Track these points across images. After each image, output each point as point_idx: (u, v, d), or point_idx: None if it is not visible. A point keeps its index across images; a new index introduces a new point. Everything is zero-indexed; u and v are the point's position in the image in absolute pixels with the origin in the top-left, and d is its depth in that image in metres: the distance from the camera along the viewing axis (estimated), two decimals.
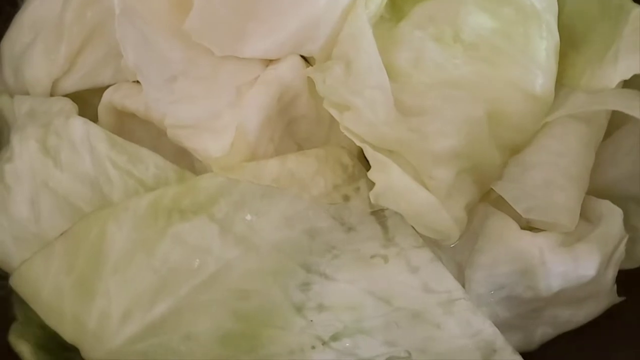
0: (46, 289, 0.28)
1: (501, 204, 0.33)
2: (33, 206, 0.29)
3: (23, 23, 0.35)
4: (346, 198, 0.34)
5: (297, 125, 0.36)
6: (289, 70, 0.34)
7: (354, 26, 0.33)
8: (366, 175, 0.33)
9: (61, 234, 0.29)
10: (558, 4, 0.35)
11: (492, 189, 0.33)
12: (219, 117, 0.31)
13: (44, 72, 0.34)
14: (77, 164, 0.30)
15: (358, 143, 0.31)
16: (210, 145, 0.31)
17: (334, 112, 0.32)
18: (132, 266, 0.28)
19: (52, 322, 0.28)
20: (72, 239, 0.29)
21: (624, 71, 0.30)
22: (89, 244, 0.29)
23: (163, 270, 0.28)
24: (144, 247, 0.29)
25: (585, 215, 0.33)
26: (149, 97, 0.31)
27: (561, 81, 0.34)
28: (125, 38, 0.29)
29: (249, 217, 0.31)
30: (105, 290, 0.28)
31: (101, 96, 0.35)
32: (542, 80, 0.32)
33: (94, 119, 0.35)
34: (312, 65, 0.35)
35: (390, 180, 0.31)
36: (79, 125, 0.30)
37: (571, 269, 0.31)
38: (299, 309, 0.30)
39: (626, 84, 0.32)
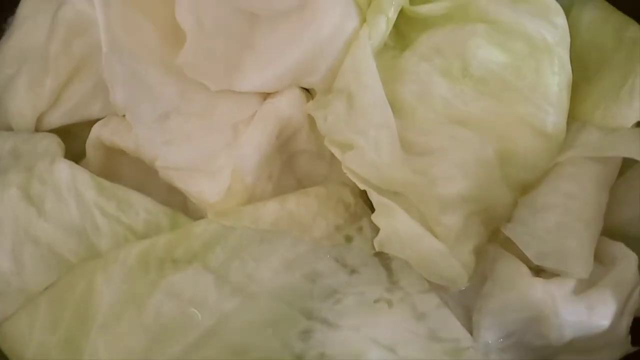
0: (31, 348, 0.26)
1: (510, 244, 0.32)
2: (15, 258, 0.28)
3: (6, 54, 0.33)
4: (349, 239, 0.32)
5: (296, 160, 0.34)
6: (288, 104, 0.32)
7: (357, 59, 0.32)
8: (369, 214, 0.32)
9: (46, 288, 0.27)
10: (571, 35, 0.33)
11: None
12: (215, 158, 0.30)
13: (29, 106, 0.32)
14: (63, 212, 0.28)
15: (361, 186, 0.30)
16: (205, 188, 0.30)
17: (335, 151, 0.31)
18: (121, 323, 0.26)
19: None
20: (58, 294, 0.27)
21: None
22: (76, 299, 0.27)
23: (155, 327, 0.27)
24: (135, 301, 0.27)
25: (598, 257, 0.32)
26: (139, 137, 0.29)
27: (573, 114, 0.33)
28: (114, 76, 0.28)
29: (246, 264, 0.29)
30: (94, 349, 0.26)
31: (89, 128, 0.33)
32: (553, 117, 0.31)
33: (82, 152, 0.33)
34: (312, 96, 0.34)
35: (396, 226, 0.29)
36: (64, 170, 0.29)
37: (585, 318, 0.29)
38: (300, 359, 0.29)
39: None
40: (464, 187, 0.29)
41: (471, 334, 0.31)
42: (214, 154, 0.30)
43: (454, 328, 0.30)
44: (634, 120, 0.30)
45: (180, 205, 0.33)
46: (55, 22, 0.31)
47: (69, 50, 0.32)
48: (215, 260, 0.29)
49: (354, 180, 0.30)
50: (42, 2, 0.33)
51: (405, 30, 0.35)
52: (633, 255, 0.31)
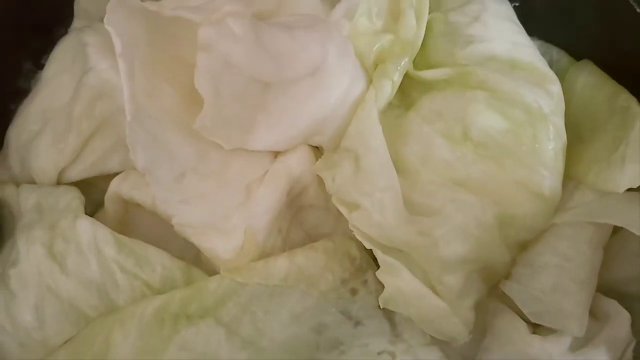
0: None
1: (509, 298, 0.33)
2: (38, 312, 0.29)
3: (31, 112, 0.35)
4: (354, 292, 0.33)
5: (305, 214, 0.36)
6: (298, 163, 0.34)
7: (364, 122, 0.33)
8: (374, 267, 0.34)
9: (65, 342, 0.29)
10: (565, 99, 0.35)
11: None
12: (228, 217, 0.31)
13: (51, 162, 0.34)
14: (84, 269, 0.29)
15: (367, 245, 0.31)
16: (219, 245, 0.31)
17: (343, 210, 0.32)
18: None
19: None
20: (77, 348, 0.28)
21: (631, 179, 0.31)
22: (94, 354, 0.28)
23: None
24: (150, 356, 0.28)
25: (593, 313, 0.33)
26: (157, 197, 0.31)
27: (568, 173, 0.34)
28: (136, 141, 0.29)
29: (256, 318, 0.31)
30: None
31: (107, 179, 0.34)
32: (549, 181, 0.33)
33: (100, 202, 0.35)
34: (320, 152, 0.36)
35: (400, 284, 0.31)
36: (86, 228, 0.30)
37: None
38: None
39: None
40: (464, 249, 0.31)
41: None
42: (228, 213, 0.31)
43: None
44: (625, 187, 0.31)
45: (194, 256, 0.34)
46: (80, 86, 0.33)
47: (92, 112, 0.33)
48: (227, 314, 0.30)
49: (360, 238, 0.31)
50: (67, 66, 0.35)
51: (408, 90, 0.36)
52: (626, 314, 0.32)
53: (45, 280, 0.29)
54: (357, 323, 0.33)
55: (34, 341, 0.29)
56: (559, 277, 0.31)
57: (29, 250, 0.29)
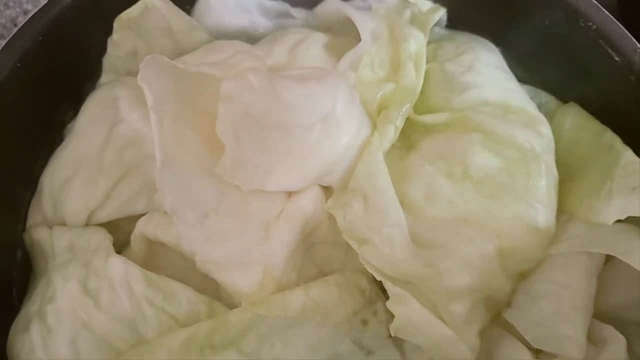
0: None
1: (511, 325, 0.35)
2: (73, 347, 0.31)
3: (63, 159, 0.38)
4: (365, 322, 0.35)
5: (316, 249, 0.38)
6: (311, 203, 0.36)
7: (370, 164, 0.36)
8: (383, 299, 0.36)
9: None
10: (555, 139, 0.38)
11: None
12: (248, 253, 0.34)
13: (82, 205, 0.36)
14: (116, 304, 0.31)
15: (377, 277, 0.34)
16: (239, 280, 0.33)
17: (353, 244, 0.35)
18: None
19: None
20: None
21: (619, 212, 0.33)
22: None
23: None
24: None
25: (590, 338, 0.34)
26: (182, 236, 0.33)
27: (561, 207, 0.37)
28: (165, 185, 0.32)
29: (275, 348, 0.32)
30: None
31: (132, 222, 0.37)
32: (544, 215, 0.35)
33: (126, 241, 0.37)
34: (330, 192, 0.38)
35: (409, 314, 0.33)
36: (118, 266, 0.32)
37: None
38: None
39: None
40: (468, 279, 0.33)
41: None
42: (248, 250, 0.34)
43: None
44: (613, 219, 0.33)
45: (214, 291, 0.36)
46: (111, 135, 0.36)
47: (121, 158, 0.36)
48: (248, 345, 0.32)
49: (371, 271, 0.34)
50: (98, 116, 0.38)
51: (409, 133, 0.39)
52: (622, 338, 0.34)
53: (80, 315, 0.31)
54: (369, 352, 0.35)
55: None
56: (557, 303, 0.33)
57: (65, 287, 0.32)
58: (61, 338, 0.31)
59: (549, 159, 0.36)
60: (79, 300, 0.31)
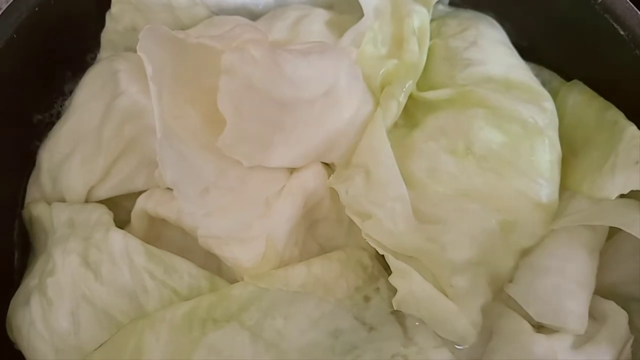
0: None
1: (513, 302, 0.35)
2: (73, 319, 0.31)
3: (62, 135, 0.37)
4: (367, 299, 0.35)
5: (318, 226, 0.38)
6: (313, 179, 0.36)
7: (373, 139, 0.36)
8: (385, 275, 0.36)
9: (100, 346, 0.30)
10: (558, 116, 0.38)
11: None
12: (249, 228, 0.33)
13: (81, 181, 0.36)
14: (117, 277, 0.31)
15: (379, 250, 0.34)
16: (241, 254, 0.33)
17: (356, 220, 0.35)
18: None
19: None
20: (110, 351, 0.30)
21: (622, 186, 0.33)
22: (127, 356, 0.30)
23: None
24: (180, 357, 0.30)
25: (592, 314, 0.35)
26: (183, 210, 0.33)
27: (564, 185, 0.37)
28: (165, 158, 0.31)
29: (277, 322, 0.32)
30: None
31: (132, 199, 0.36)
32: (547, 189, 0.35)
33: (126, 219, 0.37)
34: (332, 169, 0.38)
35: (411, 288, 0.33)
36: (118, 239, 0.32)
37: None
38: None
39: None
40: (471, 253, 0.33)
41: None
42: (249, 224, 0.33)
43: None
44: (617, 194, 0.33)
45: (216, 268, 0.36)
46: (110, 109, 0.36)
47: (121, 133, 0.36)
48: (250, 319, 0.32)
49: (373, 245, 0.34)
50: (96, 91, 0.38)
51: (413, 111, 0.39)
52: (623, 313, 0.34)
53: (81, 288, 0.31)
54: (371, 328, 0.35)
55: (69, 346, 0.31)
56: (560, 278, 0.33)
57: (65, 260, 0.31)
58: (61, 310, 0.31)
59: (553, 134, 0.36)
60: (79, 272, 0.31)
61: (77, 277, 0.31)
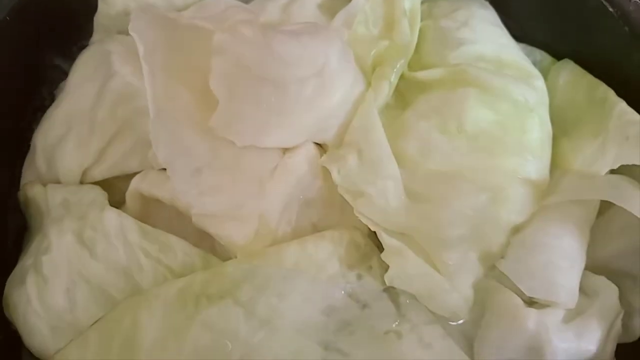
0: None
1: (505, 279, 0.35)
2: (69, 296, 0.31)
3: (56, 117, 0.37)
4: (360, 277, 0.36)
5: (312, 207, 0.38)
6: (305, 158, 0.36)
7: (365, 119, 0.36)
8: (378, 253, 0.36)
9: (95, 322, 0.31)
10: (549, 95, 0.38)
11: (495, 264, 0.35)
12: (243, 207, 0.34)
13: (76, 163, 0.36)
14: (112, 254, 0.32)
15: (372, 227, 0.34)
16: (234, 232, 0.33)
17: (348, 198, 0.35)
18: (164, 353, 0.30)
19: None
20: (106, 328, 0.30)
21: (612, 161, 0.33)
22: (122, 333, 0.30)
23: (194, 357, 0.30)
24: (175, 333, 0.30)
25: (584, 290, 0.35)
26: (177, 189, 0.33)
27: (556, 163, 0.37)
28: (158, 138, 0.32)
29: (271, 299, 0.33)
30: None
31: (126, 181, 0.37)
32: (536, 166, 0.35)
33: (121, 201, 0.37)
34: (324, 151, 0.38)
35: (404, 264, 0.33)
36: (113, 218, 0.32)
37: (574, 345, 0.32)
38: None
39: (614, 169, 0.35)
40: (462, 229, 0.33)
41: None
42: (242, 203, 0.34)
43: (458, 356, 0.33)
44: (607, 169, 0.34)
45: (209, 248, 0.36)
46: (104, 90, 0.36)
47: (114, 115, 0.36)
48: (244, 296, 0.32)
49: (366, 223, 0.34)
50: (90, 73, 0.38)
51: (404, 92, 0.39)
52: (614, 288, 0.34)
53: (76, 265, 0.31)
54: (364, 306, 0.35)
55: (65, 323, 0.31)
56: (550, 254, 0.34)
57: (60, 239, 0.32)
58: (57, 288, 0.31)
59: (543, 112, 0.37)
60: (75, 250, 0.31)
61: (73, 255, 0.31)
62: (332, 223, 0.38)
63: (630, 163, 0.33)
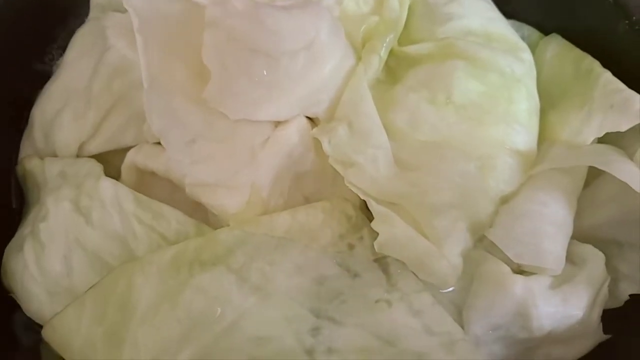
0: (79, 339, 0.30)
1: (493, 248, 0.36)
2: (66, 262, 0.32)
3: (53, 92, 0.38)
4: (351, 247, 0.36)
5: (303, 179, 0.39)
6: (297, 131, 0.37)
7: (355, 91, 0.37)
8: (368, 225, 0.36)
9: (91, 287, 0.31)
10: (537, 69, 0.39)
11: (484, 235, 0.36)
12: (235, 176, 0.34)
13: (73, 136, 0.37)
14: (107, 221, 0.32)
15: (362, 196, 0.34)
16: (227, 201, 0.34)
17: (339, 168, 0.36)
18: (158, 316, 0.30)
19: None
20: (101, 292, 0.31)
21: (598, 130, 0.34)
22: (118, 296, 0.31)
23: (187, 320, 0.30)
24: (169, 298, 0.31)
25: (571, 259, 0.36)
26: (171, 158, 0.34)
27: (543, 136, 0.38)
28: (151, 108, 0.32)
29: (263, 267, 0.33)
30: (134, 339, 0.30)
31: (121, 156, 0.37)
32: (524, 137, 0.36)
33: (117, 176, 0.38)
34: (316, 125, 0.39)
35: (393, 231, 0.33)
36: (108, 187, 0.33)
37: (561, 309, 0.33)
38: (310, 353, 0.32)
39: (600, 139, 0.36)
40: (450, 195, 0.34)
41: (462, 328, 0.35)
42: (235, 172, 0.35)
43: (447, 323, 0.34)
44: (593, 137, 0.34)
45: (203, 220, 0.36)
46: (99, 64, 0.37)
47: (110, 88, 0.37)
48: (236, 262, 0.33)
49: (356, 192, 0.34)
50: (87, 49, 0.39)
51: (394, 67, 0.40)
52: (601, 255, 0.35)
53: (73, 232, 0.32)
54: (355, 275, 0.35)
55: (61, 289, 0.32)
56: (538, 221, 0.34)
57: (57, 207, 0.32)
58: (54, 254, 0.32)
59: (530, 84, 0.37)
60: (71, 218, 0.32)
61: (69, 222, 0.32)
62: (323, 196, 0.39)
63: (614, 130, 0.33)
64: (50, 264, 0.32)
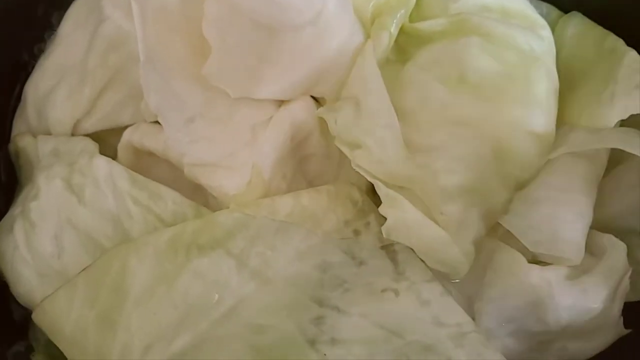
0: (70, 322, 0.29)
1: (508, 239, 0.34)
2: (57, 242, 0.30)
3: (47, 67, 0.37)
4: (357, 233, 0.35)
5: (308, 162, 0.37)
6: (301, 111, 0.35)
7: (364, 69, 0.35)
8: (376, 211, 0.35)
9: (83, 269, 0.30)
10: (556, 48, 0.37)
11: (498, 224, 0.34)
12: (236, 156, 0.33)
13: (67, 114, 0.35)
14: (101, 201, 0.31)
15: (369, 179, 0.33)
16: (227, 182, 0.33)
17: (345, 150, 0.34)
18: (153, 300, 0.29)
19: (75, 357, 0.29)
20: (94, 274, 0.30)
21: (622, 112, 0.32)
22: (111, 278, 0.29)
23: (183, 305, 0.29)
24: (165, 281, 0.29)
25: (590, 249, 0.34)
26: (169, 137, 0.32)
27: (562, 119, 0.36)
28: (148, 83, 0.31)
29: (264, 252, 0.32)
30: (127, 324, 0.28)
31: (118, 136, 0.36)
32: (542, 119, 0.34)
33: (113, 156, 0.36)
34: (322, 106, 0.37)
35: (402, 216, 0.32)
36: (102, 165, 0.32)
37: (579, 302, 0.31)
38: (313, 343, 0.31)
39: (624, 123, 0.34)
40: (463, 178, 0.32)
41: (474, 320, 0.33)
42: (235, 153, 0.33)
43: (457, 314, 0.32)
44: (615, 120, 0.32)
45: (203, 203, 0.35)
46: (95, 36, 0.35)
47: (106, 62, 0.35)
48: (236, 247, 0.31)
49: (364, 174, 0.33)
50: (81, 22, 0.37)
51: (405, 45, 0.38)
52: (622, 245, 0.33)
53: (64, 211, 0.31)
54: (361, 263, 0.34)
55: (53, 271, 0.30)
56: (555, 208, 0.32)
57: (49, 185, 0.31)
58: (45, 234, 0.30)
59: (550, 63, 0.35)
60: (63, 196, 0.31)
61: (61, 201, 0.31)
62: (328, 180, 0.37)
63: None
64: (40, 244, 0.30)
